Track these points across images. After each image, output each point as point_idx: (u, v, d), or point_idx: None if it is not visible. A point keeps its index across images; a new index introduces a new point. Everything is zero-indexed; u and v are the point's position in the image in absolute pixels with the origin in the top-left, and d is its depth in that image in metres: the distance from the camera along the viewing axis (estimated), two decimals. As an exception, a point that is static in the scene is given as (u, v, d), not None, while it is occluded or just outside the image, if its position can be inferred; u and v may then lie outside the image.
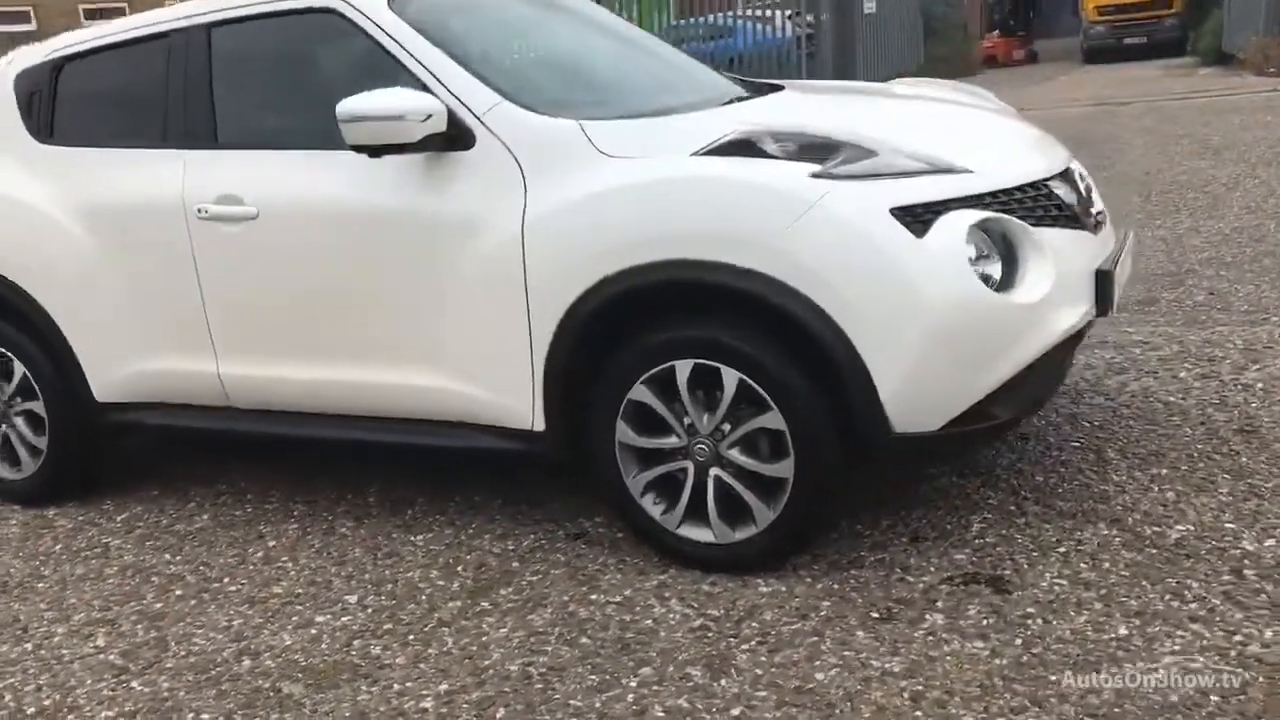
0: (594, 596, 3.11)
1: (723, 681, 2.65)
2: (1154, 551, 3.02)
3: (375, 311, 3.40)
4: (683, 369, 3.02)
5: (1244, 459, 3.52)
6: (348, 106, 3.12)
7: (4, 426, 4.20)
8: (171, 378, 3.84)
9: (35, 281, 3.96)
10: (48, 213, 3.90)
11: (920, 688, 2.54)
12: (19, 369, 4.08)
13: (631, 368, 3.08)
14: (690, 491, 3.12)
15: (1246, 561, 2.92)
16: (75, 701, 2.89)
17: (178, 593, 3.43)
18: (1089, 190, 3.39)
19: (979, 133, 3.42)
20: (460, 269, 3.21)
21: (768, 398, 2.94)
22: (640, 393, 3.08)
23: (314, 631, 3.10)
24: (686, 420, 3.07)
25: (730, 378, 2.97)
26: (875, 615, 2.86)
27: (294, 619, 3.18)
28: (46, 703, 2.89)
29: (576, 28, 4.05)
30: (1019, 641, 2.67)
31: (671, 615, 2.96)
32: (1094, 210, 3.36)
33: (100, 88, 3.99)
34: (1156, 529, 3.14)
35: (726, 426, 3.03)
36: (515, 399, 3.24)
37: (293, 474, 4.21)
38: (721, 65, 19.35)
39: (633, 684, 2.68)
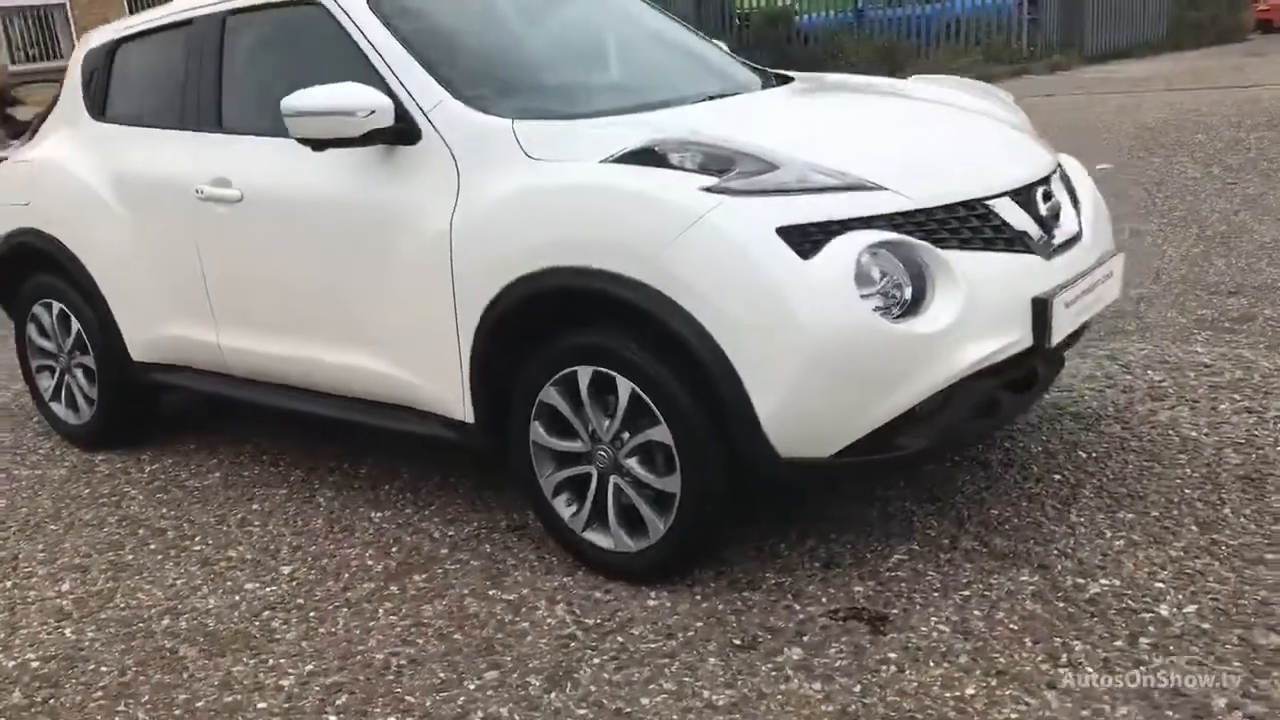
0: (492, 592, 3.17)
1: (554, 694, 2.66)
2: (1060, 606, 2.82)
3: (332, 295, 3.54)
4: (584, 375, 3.02)
5: (1226, 510, 3.22)
6: (292, 101, 3.25)
7: (67, 377, 4.59)
8: (186, 343, 4.12)
9: (82, 247, 4.31)
10: (92, 184, 4.23)
11: (732, 725, 2.48)
12: (74, 325, 4.45)
13: (541, 370, 3.10)
14: (593, 497, 3.11)
15: (1151, 627, 2.70)
16: (11, 640, 3.17)
17: (151, 546, 3.69)
18: (1054, 210, 3.13)
19: (939, 143, 3.22)
20: (401, 259, 3.30)
21: (656, 411, 2.90)
22: (550, 395, 3.10)
23: (237, 599, 3.28)
24: (590, 426, 3.06)
25: (624, 388, 2.95)
26: (738, 642, 2.80)
27: (228, 584, 3.38)
28: (-12, 640, 3.18)
29: (580, 20, 4.03)
30: (858, 689, 2.57)
31: (550, 620, 2.99)
32: (1059, 231, 3.12)
33: (141, 70, 4.29)
34: (1080, 580, 2.93)
35: (626, 435, 3.00)
36: (449, 390, 3.31)
37: (316, 441, 4.40)
38: (938, 31, 18.72)
39: (472, 686, 2.73)
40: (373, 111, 3.23)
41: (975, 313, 2.81)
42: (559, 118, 3.26)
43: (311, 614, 3.15)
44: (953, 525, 3.28)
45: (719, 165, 2.84)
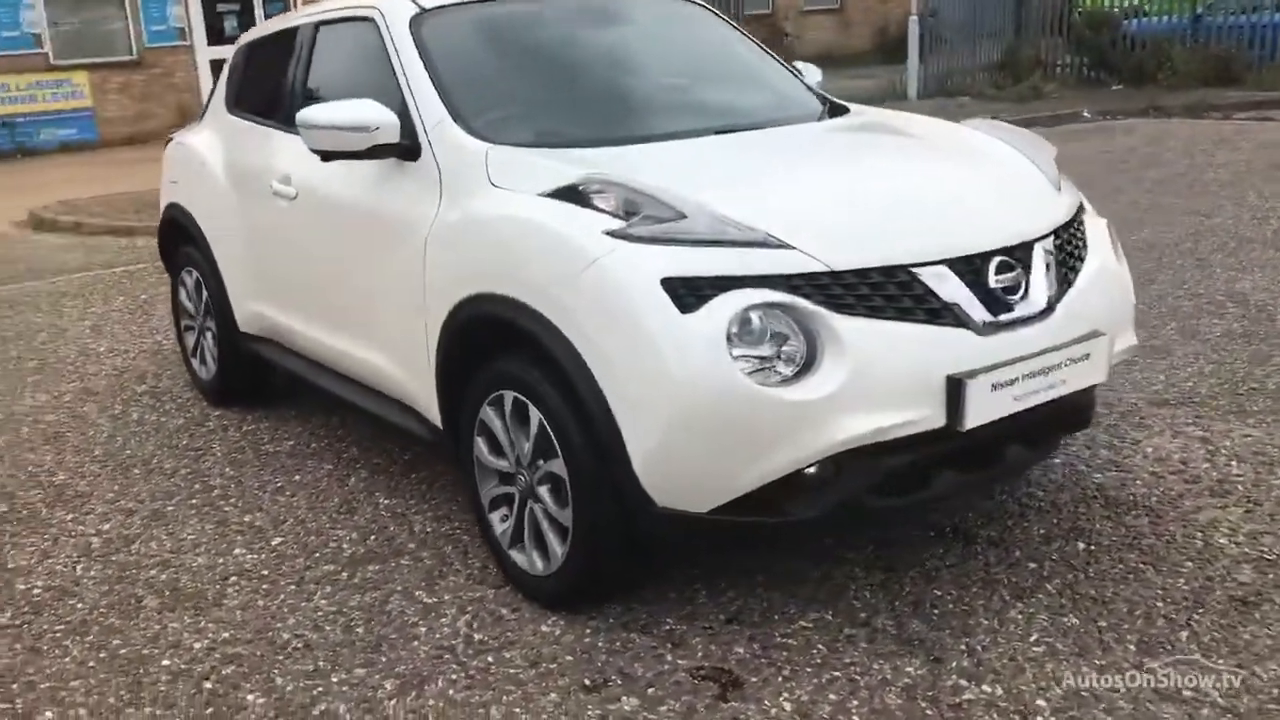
0: (418, 593, 3.34)
1: (395, 701, 2.81)
2: (920, 705, 2.69)
3: (351, 291, 3.81)
4: (507, 400, 3.12)
5: (1183, 635, 2.91)
6: (305, 114, 3.52)
7: (202, 337, 5.15)
8: (267, 320, 4.53)
9: (206, 224, 4.82)
10: (215, 170, 4.72)
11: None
12: (204, 294, 4.99)
13: (480, 389, 3.23)
14: (515, 517, 3.22)
15: (992, 750, 2.51)
16: (36, 567, 3.65)
17: (193, 502, 4.11)
18: (1013, 283, 2.91)
19: (897, 202, 3.05)
20: (395, 265, 3.50)
21: (555, 443, 2.97)
22: (486, 414, 3.23)
23: (220, 561, 3.63)
24: (515, 450, 3.17)
25: (534, 417, 3.03)
26: (587, 683, 2.83)
27: (223, 546, 3.73)
28: (18, 564, 3.68)
29: (625, 46, 4.06)
30: None
31: (446, 629, 3.12)
32: (1018, 305, 2.90)
33: (262, 69, 4.72)
34: (963, 683, 2.76)
35: (541, 462, 3.08)
36: (425, 393, 3.50)
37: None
38: (1256, 41, 16.86)
39: (335, 679, 2.92)
40: (376, 128, 3.43)
41: (866, 384, 2.68)
42: (537, 146, 3.35)
43: (264, 586, 3.43)
44: (882, 600, 3.14)
45: (631, 209, 2.85)
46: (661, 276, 2.70)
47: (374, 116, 3.44)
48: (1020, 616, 3.02)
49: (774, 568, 3.30)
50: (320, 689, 2.87)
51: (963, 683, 2.74)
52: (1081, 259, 3.16)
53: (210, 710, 2.81)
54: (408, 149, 3.49)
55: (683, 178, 3.05)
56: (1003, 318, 2.86)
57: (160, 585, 3.48)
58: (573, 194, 2.95)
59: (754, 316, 2.66)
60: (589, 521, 2.93)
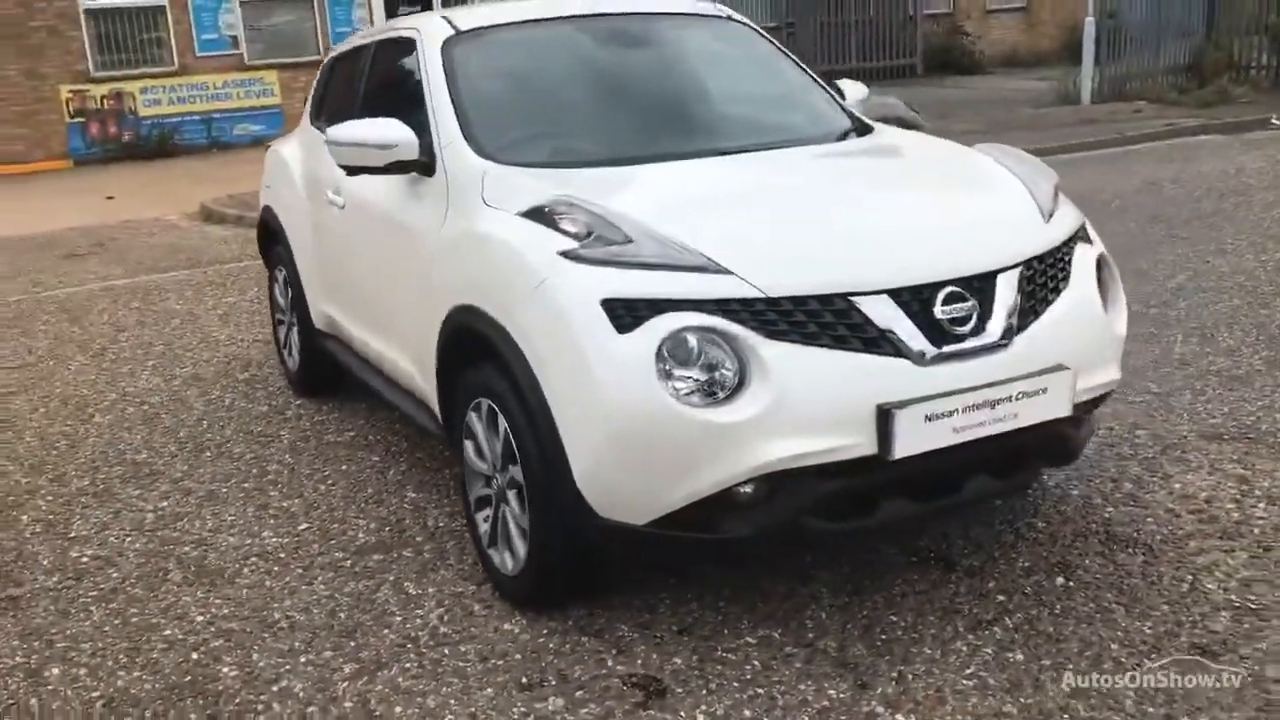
0: (407, 584, 3.55)
1: (348, 684, 3.02)
2: None
3: (381, 293, 4.07)
4: (484, 406, 3.30)
5: (1123, 681, 2.86)
6: (332, 132, 3.78)
7: (290, 331, 5.53)
8: (332, 318, 4.85)
9: (288, 227, 5.18)
10: (296, 178, 5.07)
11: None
12: (290, 291, 5.36)
13: (466, 395, 3.42)
14: (492, 518, 3.40)
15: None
16: (93, 538, 4.04)
17: (246, 485, 4.45)
18: (963, 315, 2.90)
19: (850, 228, 3.08)
20: (412, 272, 3.73)
21: (516, 450, 3.13)
22: (470, 418, 3.42)
23: (248, 542, 3.93)
24: (491, 454, 3.35)
25: (503, 424, 3.20)
26: (524, 680, 2.99)
27: (255, 528, 4.03)
28: (78, 533, 4.08)
29: (652, 66, 4.16)
30: None
31: (419, 620, 3.32)
32: (970, 337, 2.90)
33: (338, 84, 5.04)
34: (878, 710, 2.79)
35: (510, 467, 3.25)
36: (435, 396, 3.72)
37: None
38: None
39: (303, 660, 3.15)
40: (395, 146, 3.66)
41: (791, 409, 2.74)
42: (534, 166, 3.51)
43: (275, 568, 3.71)
44: (836, 621, 3.18)
45: (585, 230, 2.98)
46: (602, 297, 2.82)
47: (393, 135, 3.66)
48: (965, 648, 3.00)
49: (743, 582, 3.37)
50: (287, 667, 3.11)
51: (879, 710, 2.76)
52: (1058, 291, 3.11)
53: (188, 678, 3.09)
54: (425, 166, 3.70)
55: (647, 200, 3.16)
56: (946, 349, 2.86)
57: (189, 561, 3.79)
58: (539, 215, 3.09)
59: (689, 339, 2.74)
60: (541, 527, 3.07)
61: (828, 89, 4.35)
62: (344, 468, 4.54)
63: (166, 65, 17.25)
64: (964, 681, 2.86)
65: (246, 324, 7.01)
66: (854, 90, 4.46)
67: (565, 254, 2.93)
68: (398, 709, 2.88)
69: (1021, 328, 2.99)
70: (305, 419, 5.18)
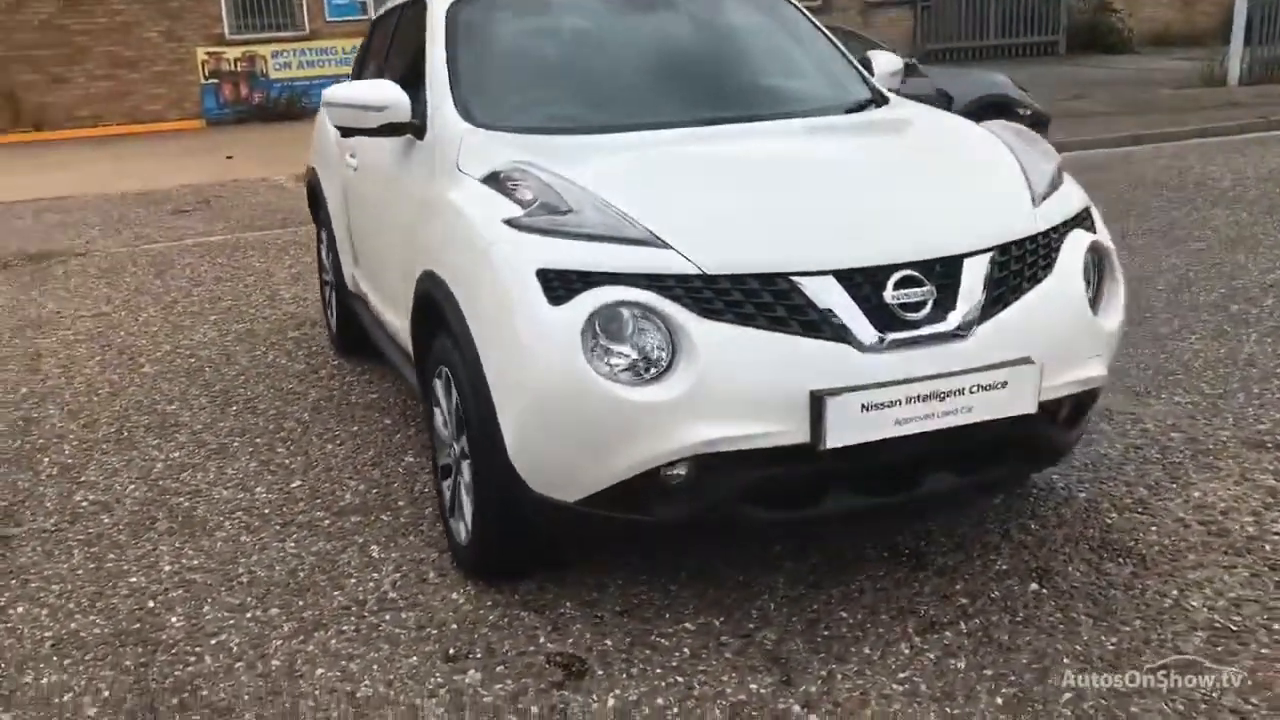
0: (373, 548, 3.56)
1: (284, 643, 3.04)
2: (696, 717, 2.63)
3: (382, 253, 4.08)
4: (444, 374, 3.28)
5: (1084, 697, 2.69)
6: (327, 93, 3.78)
7: (331, 291, 5.61)
8: (355, 279, 4.89)
9: (325, 188, 5.24)
10: (330, 140, 5.10)
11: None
12: (331, 255, 5.42)
13: (431, 362, 3.40)
14: (451, 486, 3.38)
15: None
16: (96, 481, 4.16)
17: (258, 441, 4.52)
18: (917, 300, 2.74)
19: (803, 207, 2.93)
20: (400, 234, 3.72)
21: (466, 421, 3.10)
22: (435, 385, 3.40)
23: (240, 496, 3.99)
24: (449, 422, 3.32)
25: (456, 393, 3.17)
26: (451, 651, 2.96)
27: (250, 483, 4.10)
28: (87, 479, 4.21)
29: (656, 30, 4.04)
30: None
31: (373, 584, 3.32)
32: (926, 324, 2.75)
33: (373, 45, 5.06)
34: (795, 709, 2.68)
35: (462, 437, 3.22)
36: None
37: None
38: None
39: (248, 615, 3.18)
40: (384, 109, 3.64)
41: (720, 391, 2.64)
42: (513, 131, 3.44)
43: (255, 523, 3.76)
44: (783, 614, 3.07)
45: (533, 198, 2.91)
46: (537, 267, 2.75)
47: (385, 96, 3.64)
48: (908, 651, 2.86)
49: (702, 567, 3.28)
50: (231, 622, 3.14)
51: (796, 708, 2.65)
52: (1037, 280, 2.92)
53: (136, 626, 3.15)
54: (418, 129, 3.67)
55: (609, 169, 3.08)
56: (893, 336, 2.71)
57: (179, 512, 3.87)
58: (495, 180, 3.03)
59: (622, 314, 2.66)
60: (481, 498, 3.03)
61: (851, 60, 4.16)
62: (355, 429, 4.58)
63: (298, 29, 17.73)
64: (894, 686, 2.72)
65: (314, 284, 7.12)
66: (885, 62, 4.26)
67: (508, 221, 2.86)
68: (319, 670, 2.88)
69: (987, 317, 2.80)
70: (336, 379, 5.25)
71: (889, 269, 2.73)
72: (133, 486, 4.11)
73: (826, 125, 3.65)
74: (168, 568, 3.47)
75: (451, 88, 3.63)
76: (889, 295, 2.72)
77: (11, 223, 10.18)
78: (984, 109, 9.28)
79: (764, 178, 3.13)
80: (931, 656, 2.83)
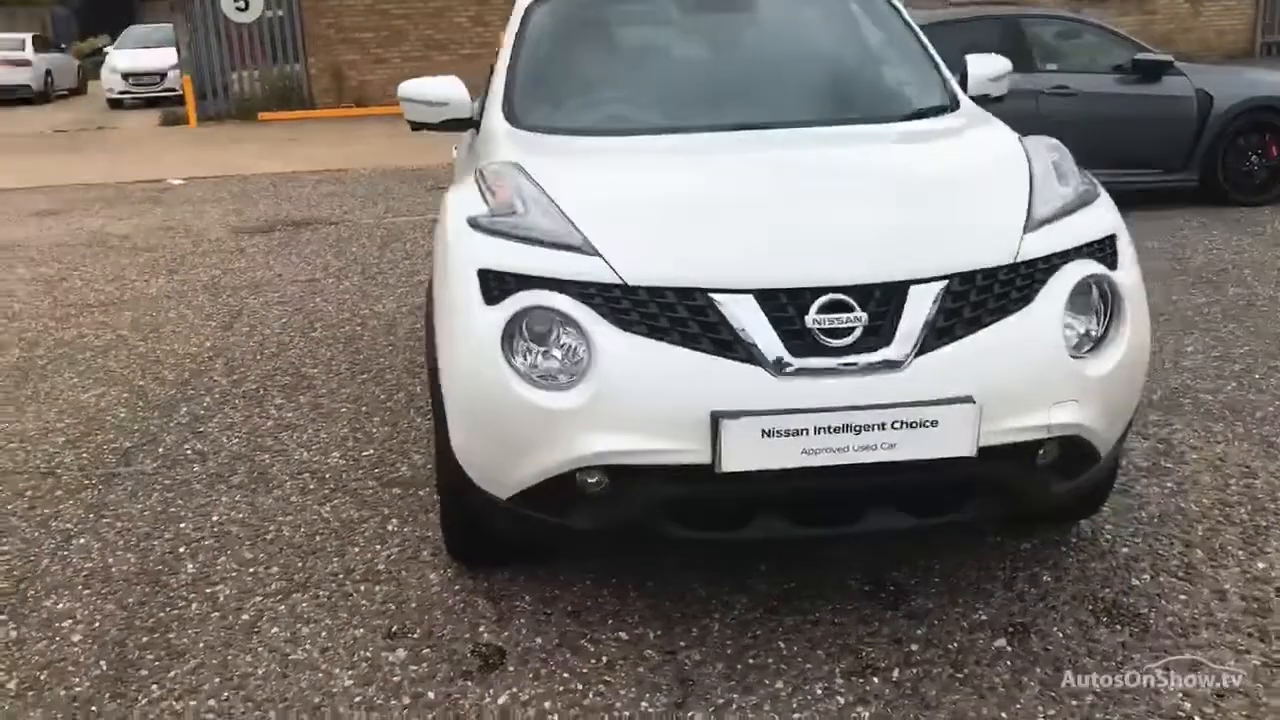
0: (393, 521, 3.74)
1: (247, 605, 3.29)
2: None
3: None
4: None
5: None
6: (401, 88, 4.00)
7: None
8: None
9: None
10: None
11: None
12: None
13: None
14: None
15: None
16: (210, 433, 4.61)
17: (363, 409, 4.84)
18: (844, 326, 2.62)
19: (752, 223, 2.83)
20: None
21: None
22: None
23: (315, 460, 4.29)
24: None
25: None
26: (394, 630, 3.10)
27: (330, 447, 4.40)
28: (206, 429, 4.68)
29: (729, 32, 3.98)
30: (378, 696, 2.81)
31: (369, 556, 3.50)
32: (852, 351, 2.63)
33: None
34: (670, 732, 2.65)
35: (446, 424, 3.35)
36: None
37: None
38: None
39: (250, 572, 3.45)
40: (446, 104, 3.84)
41: (622, 403, 2.63)
42: (541, 131, 3.53)
43: (312, 486, 4.04)
44: (726, 635, 3.01)
45: (502, 199, 3.00)
46: (479, 267, 2.83)
47: (447, 92, 3.83)
48: (820, 692, 2.75)
49: (672, 578, 3.25)
50: (234, 574, 3.43)
51: (677, 733, 2.61)
52: (1005, 312, 2.70)
53: (158, 568, 3.49)
54: (477, 125, 3.82)
55: (583, 172, 3.11)
56: (810, 361, 2.59)
57: (257, 468, 4.23)
58: (481, 179, 3.14)
59: (543, 318, 2.70)
60: (440, 486, 3.16)
61: (937, 64, 3.93)
62: (419, 403, 4.79)
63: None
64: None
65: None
66: (984, 67, 4.00)
67: (470, 220, 2.95)
68: (274, 630, 3.10)
69: (929, 349, 2.63)
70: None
71: (813, 292, 2.61)
72: (236, 441, 4.50)
73: (847, 135, 3.48)
74: (215, 518, 3.81)
75: (506, 87, 3.74)
76: (810, 319, 2.60)
77: (293, 191, 11.22)
78: (1248, 115, 8.41)
79: (726, 190, 3.05)
80: (840, 701, 2.70)
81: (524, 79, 3.78)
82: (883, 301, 2.63)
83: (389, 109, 17.22)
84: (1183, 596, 3.10)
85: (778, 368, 2.58)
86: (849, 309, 2.61)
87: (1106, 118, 8.36)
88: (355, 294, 6.84)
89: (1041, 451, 2.77)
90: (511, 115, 3.62)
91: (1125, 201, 8.24)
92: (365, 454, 4.30)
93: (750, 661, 2.87)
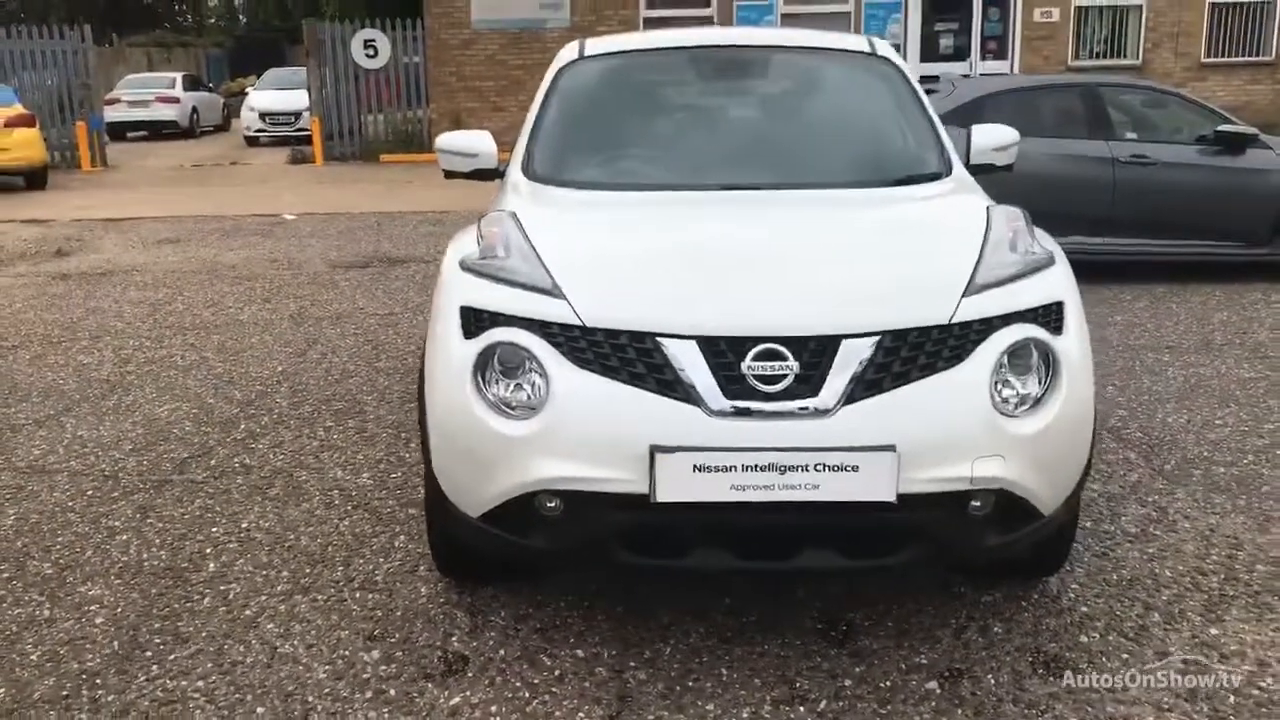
0: (401, 538, 4.05)
1: (264, 598, 3.63)
2: None
3: None
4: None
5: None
6: (439, 140, 4.36)
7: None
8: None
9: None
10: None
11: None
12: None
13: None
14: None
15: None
16: (260, 449, 5.01)
17: (404, 435, 5.19)
18: (776, 373, 2.82)
19: (704, 275, 3.08)
20: None
21: (426, 433, 3.53)
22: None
23: (346, 479, 4.63)
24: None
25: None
26: (375, 634, 3.39)
27: (363, 469, 4.75)
28: (258, 445, 5.07)
29: (741, 99, 4.23)
30: (351, 698, 3.10)
31: (370, 568, 3.80)
32: (784, 397, 2.85)
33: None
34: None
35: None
36: None
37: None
38: None
39: (263, 574, 3.78)
40: (476, 155, 4.18)
41: (568, 434, 2.88)
42: (550, 184, 3.84)
43: (337, 502, 4.36)
44: (669, 660, 3.20)
45: (491, 243, 3.30)
46: (461, 304, 3.13)
47: (476, 145, 4.16)
48: (745, 716, 2.93)
49: (644, 606, 3.46)
50: (247, 576, 3.75)
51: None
52: (934, 369, 2.88)
53: (184, 564, 3.83)
54: (502, 175, 4.15)
55: (570, 223, 3.40)
56: (742, 404, 2.81)
57: (294, 483, 4.57)
58: (481, 225, 3.44)
59: (510, 353, 2.98)
60: (426, 503, 3.44)
61: (938, 133, 4.11)
62: None
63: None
64: (706, 735, 2.81)
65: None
66: (987, 137, 4.17)
67: (461, 262, 3.25)
68: (270, 626, 3.41)
69: (856, 399, 2.82)
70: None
71: (751, 341, 2.83)
72: (282, 458, 4.87)
73: (825, 199, 3.68)
74: (245, 524, 4.15)
75: (528, 141, 4.06)
76: (746, 366, 2.82)
77: (395, 229, 11.79)
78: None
79: (690, 244, 3.30)
80: (757, 728, 2.87)
81: (544, 135, 4.08)
82: (816, 353, 2.83)
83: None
84: (1125, 655, 3.18)
85: (712, 408, 2.80)
86: (782, 358, 2.82)
87: (1186, 188, 8.34)
88: (426, 329, 7.20)
89: (976, 504, 2.91)
90: (528, 168, 3.93)
91: (1203, 273, 8.21)
92: (393, 476, 4.62)
93: (690, 684, 3.06)
